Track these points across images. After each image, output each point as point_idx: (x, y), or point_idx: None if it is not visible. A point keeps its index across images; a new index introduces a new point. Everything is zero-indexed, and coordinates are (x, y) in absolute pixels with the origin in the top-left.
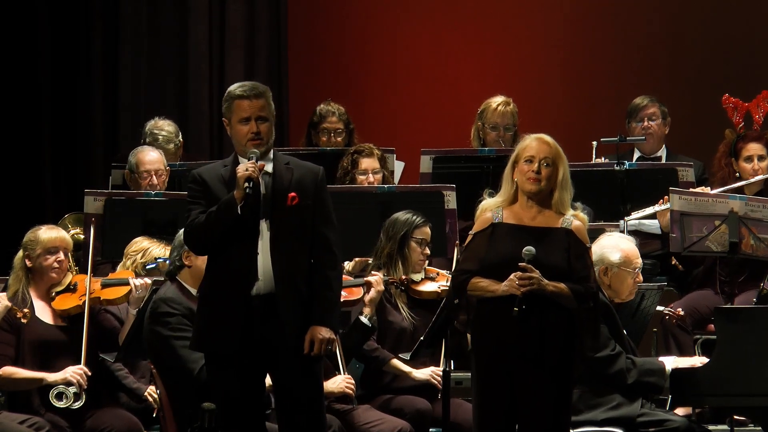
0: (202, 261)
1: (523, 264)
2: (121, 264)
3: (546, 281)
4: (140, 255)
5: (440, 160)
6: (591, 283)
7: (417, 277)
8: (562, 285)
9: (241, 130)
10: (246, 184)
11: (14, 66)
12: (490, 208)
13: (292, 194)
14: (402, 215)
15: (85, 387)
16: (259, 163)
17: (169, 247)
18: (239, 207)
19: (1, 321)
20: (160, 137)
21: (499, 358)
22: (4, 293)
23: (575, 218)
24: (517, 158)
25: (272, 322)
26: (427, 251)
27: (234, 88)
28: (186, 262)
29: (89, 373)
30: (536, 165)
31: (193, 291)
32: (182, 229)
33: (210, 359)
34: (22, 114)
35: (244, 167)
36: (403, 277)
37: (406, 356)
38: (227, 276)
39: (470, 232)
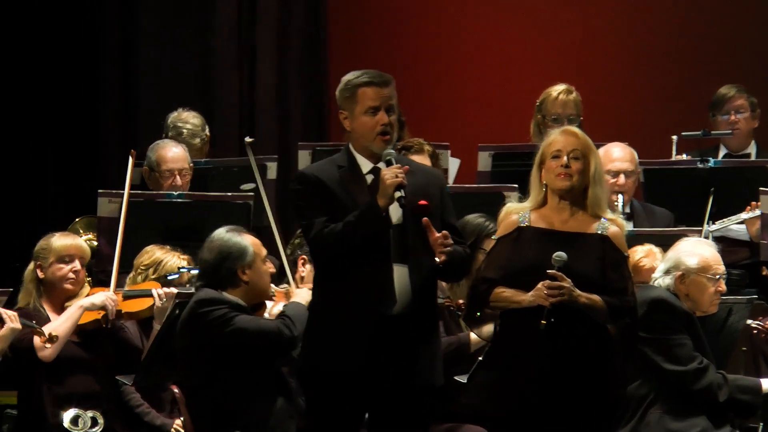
0: (260, 278)
1: (553, 272)
2: (129, 277)
3: (578, 292)
4: (152, 270)
5: (500, 156)
6: (629, 296)
7: None
8: (596, 297)
9: (367, 122)
10: (398, 193)
11: (20, 47)
12: (516, 211)
13: (424, 202)
14: (474, 219)
15: (113, 316)
16: (404, 167)
17: (186, 257)
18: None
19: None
20: (184, 131)
21: (523, 378)
22: (15, 313)
23: (612, 223)
24: (543, 157)
25: (403, 345)
26: None
27: (354, 76)
28: (243, 278)
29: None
30: (565, 159)
31: (242, 304)
32: (229, 234)
33: (321, 379)
34: (25, 102)
35: (392, 172)
36: (460, 302)
37: (463, 378)
38: (355, 296)
39: (493, 237)
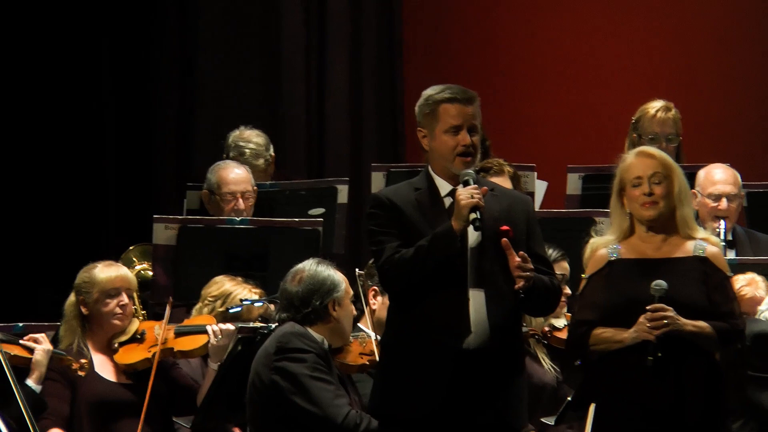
0: (348, 318)
1: (653, 305)
2: (196, 308)
3: (683, 320)
4: (221, 301)
5: (591, 178)
6: (736, 318)
7: (559, 323)
8: (702, 323)
9: (447, 142)
10: (473, 215)
11: (72, 65)
12: (603, 245)
13: (506, 228)
14: None
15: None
16: (482, 188)
17: (258, 290)
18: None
19: (55, 374)
20: (246, 151)
21: (633, 420)
22: (44, 334)
23: (708, 242)
24: (622, 183)
25: (483, 384)
26: (567, 291)
27: (436, 91)
28: (334, 314)
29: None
30: (646, 186)
31: (325, 343)
32: (320, 267)
33: (395, 427)
34: (79, 123)
35: (468, 193)
36: (546, 329)
37: (550, 420)
38: (430, 327)
39: (582, 276)
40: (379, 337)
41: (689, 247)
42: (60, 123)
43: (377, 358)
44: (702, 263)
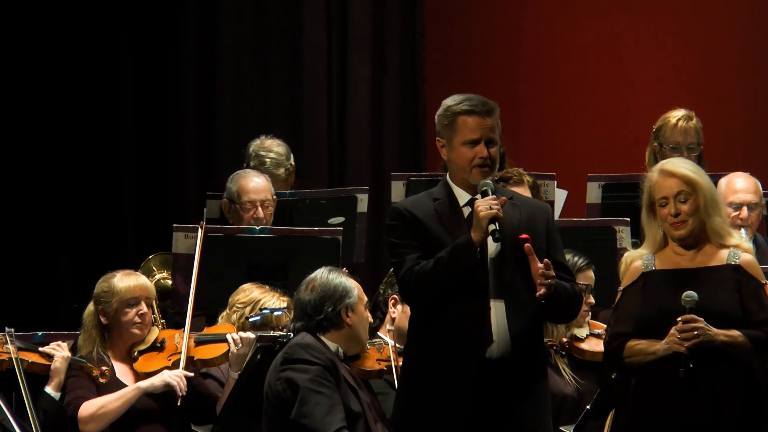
0: (362, 324)
1: (684, 315)
2: (224, 316)
3: (715, 330)
4: (249, 309)
5: (611, 187)
6: None
7: (581, 333)
8: (734, 332)
9: (465, 154)
10: (492, 226)
11: (93, 73)
12: (638, 257)
13: (525, 236)
14: None
15: (184, 393)
16: (501, 198)
17: (285, 298)
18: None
19: (78, 372)
20: (267, 160)
21: None
22: (64, 343)
23: (742, 250)
24: (651, 199)
25: (506, 395)
26: (591, 300)
27: (456, 101)
28: (347, 321)
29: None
30: (672, 206)
31: (339, 351)
32: (332, 274)
33: None
34: (99, 132)
35: (486, 204)
36: (564, 339)
37: (569, 429)
38: (451, 338)
39: (618, 289)
40: (396, 344)
41: (723, 256)
42: (80, 132)
43: (393, 364)
44: (736, 271)
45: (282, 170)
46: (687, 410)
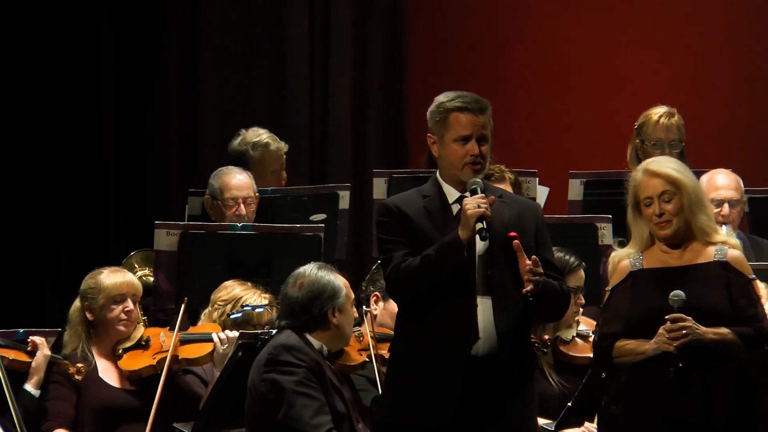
0: (348, 323)
1: (672, 315)
2: (205, 313)
3: (703, 328)
4: (231, 306)
5: (593, 184)
6: (762, 322)
7: (568, 334)
8: (723, 330)
9: (457, 151)
10: (480, 224)
11: (74, 69)
12: (626, 256)
13: (514, 233)
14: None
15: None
16: (490, 197)
17: (267, 295)
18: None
19: (59, 377)
20: (265, 137)
21: None
22: (44, 339)
23: (729, 246)
24: (635, 199)
25: (494, 392)
26: (582, 300)
27: (448, 97)
28: (334, 321)
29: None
30: (657, 206)
31: (324, 349)
32: (321, 272)
33: None
34: (81, 128)
35: (474, 202)
36: (546, 337)
37: (551, 425)
38: (438, 335)
39: (606, 289)
40: (374, 332)
41: (710, 253)
42: (63, 129)
43: (372, 352)
44: (723, 268)
45: (282, 144)
46: (678, 410)
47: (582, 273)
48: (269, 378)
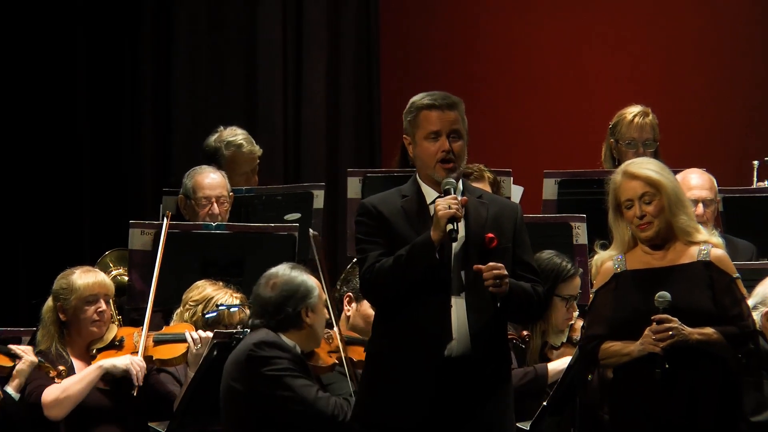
0: (320, 323)
1: (658, 315)
2: (177, 313)
3: (689, 329)
4: (202, 306)
5: (567, 184)
6: (746, 320)
7: (557, 340)
8: (708, 330)
9: (428, 148)
10: (450, 226)
11: (48, 71)
12: (609, 258)
13: (491, 235)
14: (548, 259)
15: (140, 382)
16: (462, 198)
17: (239, 295)
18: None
19: (40, 379)
20: (240, 137)
21: None
22: (30, 347)
23: (712, 245)
24: (616, 201)
25: (466, 390)
26: (575, 308)
27: (419, 97)
28: (307, 321)
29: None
30: (637, 208)
31: (297, 349)
32: (294, 272)
33: None
34: (54, 129)
35: (445, 203)
36: (525, 333)
37: (526, 425)
38: (412, 335)
39: (591, 291)
40: (341, 332)
41: (693, 253)
42: (36, 128)
43: (342, 355)
44: (707, 268)
45: (257, 148)
46: (664, 410)
47: (578, 281)
48: (257, 375)
